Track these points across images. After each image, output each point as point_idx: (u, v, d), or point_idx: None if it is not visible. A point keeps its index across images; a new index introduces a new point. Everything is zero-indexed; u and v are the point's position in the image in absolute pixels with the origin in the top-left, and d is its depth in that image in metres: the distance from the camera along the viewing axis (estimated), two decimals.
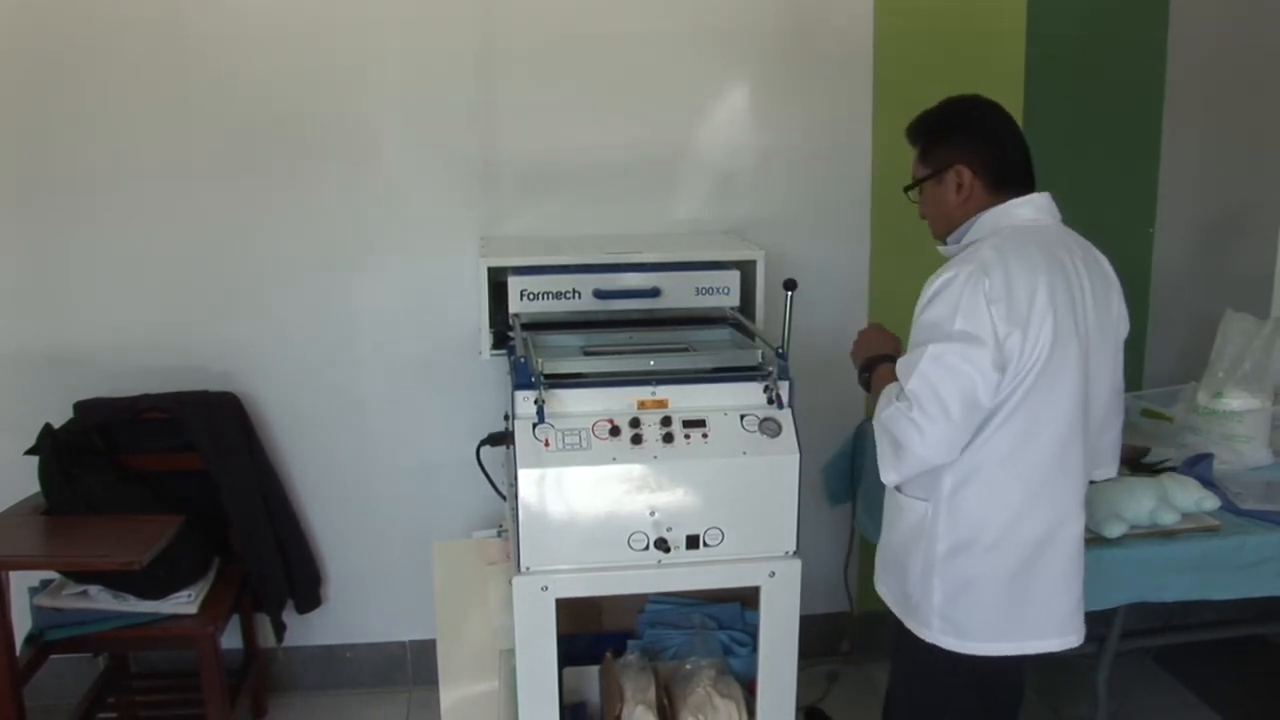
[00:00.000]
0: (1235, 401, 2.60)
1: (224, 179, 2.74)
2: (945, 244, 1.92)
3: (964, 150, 1.85)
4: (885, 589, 2.00)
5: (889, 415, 1.78)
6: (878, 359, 1.95)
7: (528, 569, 2.03)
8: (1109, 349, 1.87)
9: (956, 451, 1.77)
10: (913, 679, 1.98)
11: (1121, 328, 1.90)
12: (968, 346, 1.70)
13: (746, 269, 2.53)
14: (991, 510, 1.80)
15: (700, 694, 2.23)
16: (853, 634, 3.11)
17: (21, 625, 2.43)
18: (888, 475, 1.83)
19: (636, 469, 2.02)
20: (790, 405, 2.10)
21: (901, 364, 1.79)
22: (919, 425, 1.73)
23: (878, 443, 1.83)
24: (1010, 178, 1.84)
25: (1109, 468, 1.98)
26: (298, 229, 2.79)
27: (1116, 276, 1.91)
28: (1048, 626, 1.86)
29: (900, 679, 2.02)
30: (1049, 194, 1.87)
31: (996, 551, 1.81)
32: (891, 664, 2.06)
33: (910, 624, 1.91)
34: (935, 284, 1.76)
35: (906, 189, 1.96)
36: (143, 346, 2.79)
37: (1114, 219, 3.11)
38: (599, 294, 2.41)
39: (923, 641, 1.88)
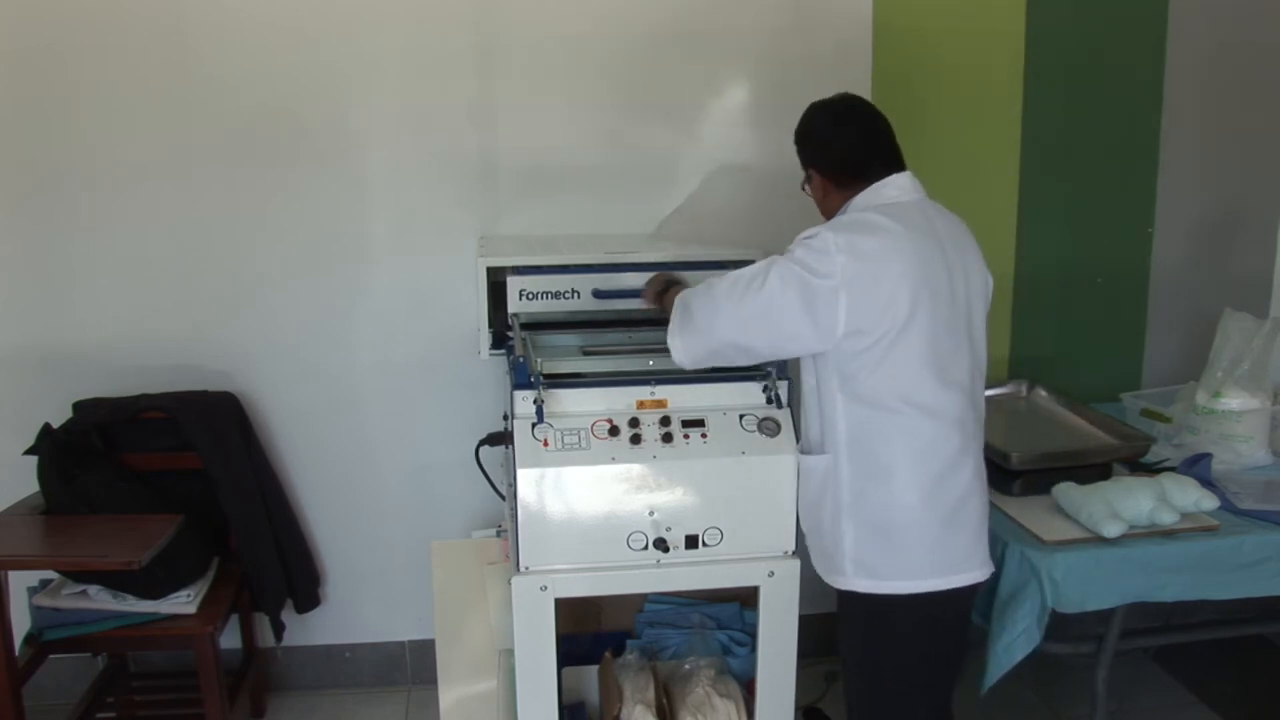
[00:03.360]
0: (1234, 401, 2.60)
1: (223, 178, 2.74)
2: None
3: (811, 157, 2.06)
4: (812, 555, 2.06)
5: (691, 290, 1.98)
6: (672, 284, 2.16)
7: (527, 569, 2.04)
8: (978, 303, 1.99)
9: (731, 341, 1.91)
10: (845, 629, 2.04)
11: (984, 280, 2.03)
12: (804, 272, 1.85)
13: None
14: (884, 452, 1.91)
15: (699, 694, 2.23)
16: None
17: (20, 625, 2.43)
18: (673, 346, 1.98)
19: (635, 469, 2.02)
20: (789, 405, 2.11)
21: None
22: (715, 299, 1.91)
23: (673, 315, 1.99)
24: (860, 171, 1.98)
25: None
26: (296, 228, 2.79)
27: (975, 241, 2.04)
28: (953, 564, 1.94)
29: (841, 635, 2.07)
30: (910, 173, 1.99)
31: (894, 492, 1.90)
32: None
33: (829, 577, 2.00)
34: (800, 236, 1.93)
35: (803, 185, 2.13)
36: (141, 346, 2.79)
37: (1113, 219, 3.11)
38: (598, 294, 2.41)
39: (844, 592, 1.97)
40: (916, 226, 1.90)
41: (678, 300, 2.01)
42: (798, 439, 2.07)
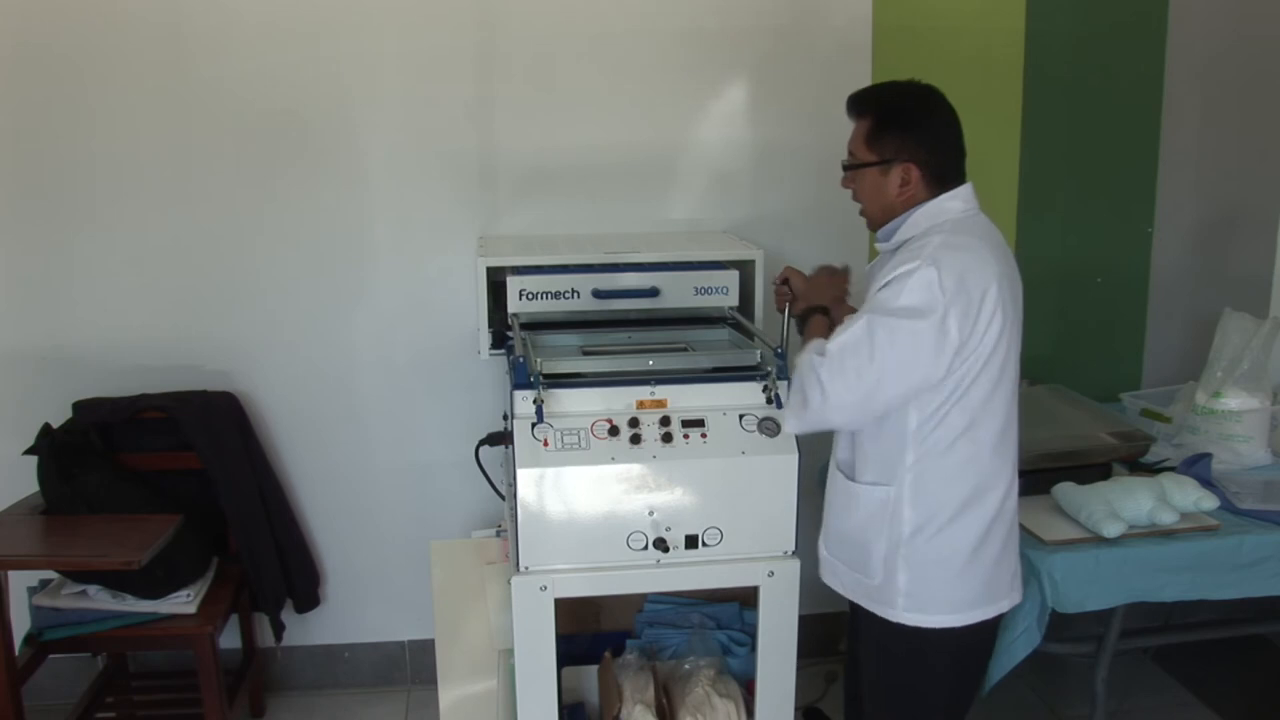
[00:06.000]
0: (1234, 401, 2.60)
1: (223, 178, 2.74)
2: (877, 233, 1.97)
3: (916, 147, 1.86)
4: (835, 577, 2.03)
5: (803, 364, 1.85)
6: (817, 309, 2.04)
7: (526, 568, 2.04)
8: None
9: (857, 419, 1.85)
10: (881, 661, 2.02)
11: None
12: (910, 320, 1.75)
13: (745, 269, 2.53)
14: (951, 488, 1.86)
15: (699, 693, 2.23)
16: None
17: (20, 625, 2.43)
18: (788, 424, 1.91)
19: (635, 469, 2.02)
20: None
21: (842, 326, 1.84)
22: (823, 385, 1.79)
23: (791, 389, 1.90)
24: (951, 176, 1.88)
25: None
26: (296, 228, 2.79)
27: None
28: (999, 592, 1.94)
29: (872, 664, 2.05)
30: (971, 184, 1.90)
31: (956, 527, 1.86)
32: (857, 654, 2.08)
33: (873, 606, 1.95)
34: (895, 273, 1.79)
35: (845, 167, 1.95)
36: (141, 346, 2.79)
37: (1113, 219, 3.11)
38: (598, 294, 2.41)
39: (889, 622, 1.92)
40: (991, 244, 1.83)
41: (793, 377, 1.88)
42: (853, 464, 1.97)
